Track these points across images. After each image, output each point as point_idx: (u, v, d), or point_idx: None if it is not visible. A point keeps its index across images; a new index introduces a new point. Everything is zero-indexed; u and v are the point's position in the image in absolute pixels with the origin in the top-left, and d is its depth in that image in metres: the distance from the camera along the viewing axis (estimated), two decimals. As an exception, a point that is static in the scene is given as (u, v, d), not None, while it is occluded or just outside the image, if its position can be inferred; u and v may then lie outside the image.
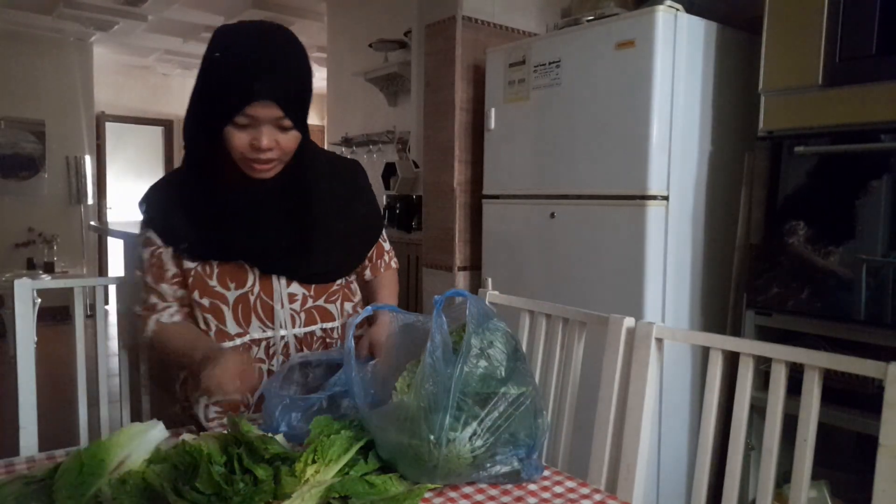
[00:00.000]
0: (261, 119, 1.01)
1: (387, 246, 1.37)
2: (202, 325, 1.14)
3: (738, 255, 1.89)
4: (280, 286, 1.15)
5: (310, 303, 1.18)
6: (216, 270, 1.12)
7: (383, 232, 1.36)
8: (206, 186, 1.10)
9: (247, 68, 0.99)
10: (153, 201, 1.16)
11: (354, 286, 1.32)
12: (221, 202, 1.10)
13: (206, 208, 1.10)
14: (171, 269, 1.14)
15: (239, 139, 1.03)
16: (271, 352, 1.17)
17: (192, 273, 1.12)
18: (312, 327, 1.19)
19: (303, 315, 1.17)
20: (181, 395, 1.23)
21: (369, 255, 1.32)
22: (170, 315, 1.15)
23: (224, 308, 1.13)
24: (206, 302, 1.13)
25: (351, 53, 4.37)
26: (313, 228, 1.15)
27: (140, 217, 1.17)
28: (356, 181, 1.26)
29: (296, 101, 1.03)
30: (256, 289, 1.14)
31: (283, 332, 1.15)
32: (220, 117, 1.01)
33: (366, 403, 0.89)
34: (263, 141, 1.02)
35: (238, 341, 1.14)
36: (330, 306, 1.21)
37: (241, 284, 1.13)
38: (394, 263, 1.38)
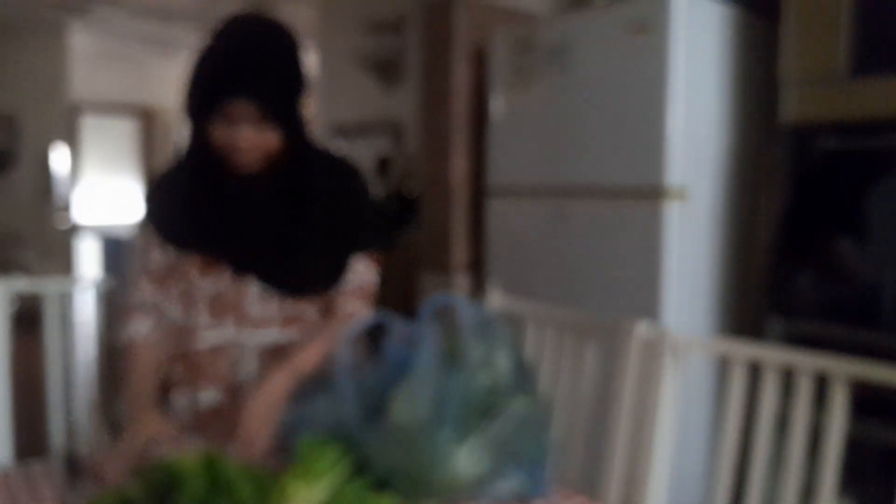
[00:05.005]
0: (239, 117, 1.02)
1: (359, 279, 1.14)
2: (175, 315, 1.16)
3: (762, 256, 1.82)
4: (250, 287, 1.14)
5: (281, 309, 1.15)
6: (196, 263, 1.14)
7: (362, 262, 1.14)
8: (192, 177, 1.12)
9: (227, 65, 1.01)
10: (152, 188, 1.21)
11: None
12: (202, 194, 1.11)
13: (189, 199, 1.12)
14: (155, 260, 1.17)
15: (218, 134, 1.04)
16: (235, 353, 1.15)
17: (176, 264, 1.15)
18: (280, 334, 1.15)
19: (272, 320, 1.15)
20: None
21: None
22: (147, 330, 1.15)
23: (197, 301, 1.14)
24: (183, 293, 1.15)
25: (343, 37, 4.32)
26: (286, 234, 1.13)
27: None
28: (347, 191, 1.17)
29: (278, 101, 1.03)
30: (229, 286, 1.14)
31: (250, 333, 1.14)
32: (201, 109, 1.03)
33: (359, 418, 0.85)
34: (241, 138, 1.02)
35: (206, 333, 1.14)
36: (302, 315, 1.17)
37: (215, 280, 1.14)
38: (351, 307, 1.12)
